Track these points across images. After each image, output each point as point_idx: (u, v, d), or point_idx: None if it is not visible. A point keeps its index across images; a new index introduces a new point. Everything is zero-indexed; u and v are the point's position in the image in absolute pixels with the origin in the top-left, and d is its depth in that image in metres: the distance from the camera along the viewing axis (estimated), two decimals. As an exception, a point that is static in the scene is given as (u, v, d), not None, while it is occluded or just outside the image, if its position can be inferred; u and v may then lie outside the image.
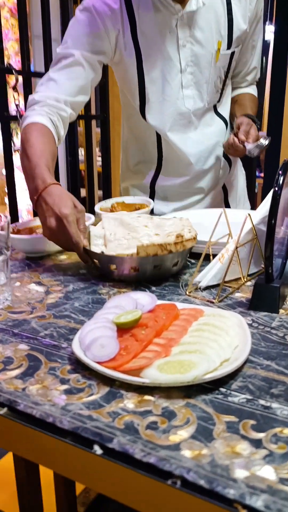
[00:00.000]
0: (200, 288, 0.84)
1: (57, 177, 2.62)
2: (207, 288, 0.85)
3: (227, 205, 1.49)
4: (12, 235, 0.97)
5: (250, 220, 0.85)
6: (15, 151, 1.85)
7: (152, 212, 1.41)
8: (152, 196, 1.48)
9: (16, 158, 1.90)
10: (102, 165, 2.75)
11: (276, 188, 0.71)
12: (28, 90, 1.92)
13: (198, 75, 1.26)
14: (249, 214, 0.85)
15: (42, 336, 0.67)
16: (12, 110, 1.83)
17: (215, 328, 0.63)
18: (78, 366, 0.58)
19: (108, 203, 1.34)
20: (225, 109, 1.39)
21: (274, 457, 0.43)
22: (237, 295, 0.82)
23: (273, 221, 0.72)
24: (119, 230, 0.96)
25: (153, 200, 1.44)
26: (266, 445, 0.45)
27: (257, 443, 0.45)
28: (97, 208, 1.26)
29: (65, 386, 0.54)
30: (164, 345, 0.59)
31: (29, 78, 1.92)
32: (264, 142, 1.22)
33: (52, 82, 1.17)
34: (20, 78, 1.85)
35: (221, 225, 0.88)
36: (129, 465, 0.43)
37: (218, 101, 1.35)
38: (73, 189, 2.98)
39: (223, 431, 0.47)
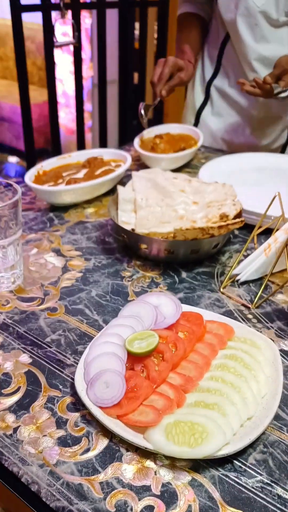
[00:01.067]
0: (237, 282, 0.73)
1: (104, 67, 2.36)
2: (246, 282, 0.73)
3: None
4: (35, 186, 0.86)
5: (310, 208, 0.70)
6: (56, 46, 1.63)
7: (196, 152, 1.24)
8: (205, 100, 1.32)
9: (57, 54, 1.68)
10: (156, 56, 2.43)
11: None
12: None
13: None
14: (310, 202, 0.69)
15: (49, 342, 0.60)
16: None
17: (242, 367, 0.54)
18: (79, 399, 0.52)
19: (151, 133, 1.17)
20: None
21: None
22: (280, 297, 0.70)
23: None
24: (152, 194, 0.82)
25: (204, 108, 1.32)
26: None
27: None
28: (136, 142, 1.10)
29: (60, 433, 0.49)
30: (178, 390, 0.51)
31: None
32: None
33: None
34: None
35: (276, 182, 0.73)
36: None
37: None
38: (124, 73, 2.69)
39: (227, 536, 0.40)
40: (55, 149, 2.17)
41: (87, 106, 3.44)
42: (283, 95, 1.03)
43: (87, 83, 3.32)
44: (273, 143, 1.27)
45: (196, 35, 1.25)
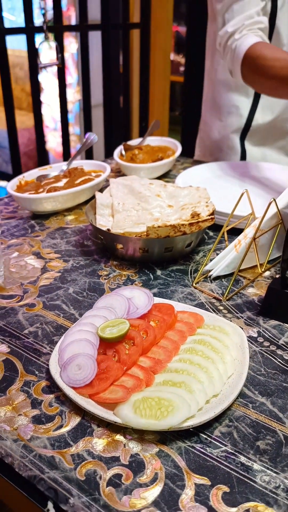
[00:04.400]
0: (210, 278, 0.76)
1: (88, 89, 2.43)
2: (218, 277, 0.77)
3: None
4: (16, 194, 0.90)
5: (275, 204, 0.74)
6: (40, 68, 1.69)
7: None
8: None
9: (45, 78, 1.74)
10: (140, 78, 2.52)
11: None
12: (57, -5, 1.70)
13: None
14: (274, 199, 0.73)
15: (26, 334, 0.62)
16: (39, 21, 1.64)
17: (210, 350, 0.57)
18: (55, 383, 0.54)
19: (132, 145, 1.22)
20: None
21: None
22: (250, 291, 0.74)
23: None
24: (129, 199, 0.86)
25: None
26: (233, 526, 0.40)
27: (224, 522, 0.41)
28: (116, 153, 1.15)
29: (35, 412, 0.51)
30: (147, 371, 0.54)
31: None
32: None
33: (233, 6, 1.03)
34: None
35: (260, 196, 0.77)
36: (80, 534, 0.40)
37: None
38: (108, 96, 2.78)
39: (191, 499, 0.42)
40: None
41: (76, 129, 3.53)
42: None
43: (75, 107, 3.41)
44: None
45: None
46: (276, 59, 0.90)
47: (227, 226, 0.76)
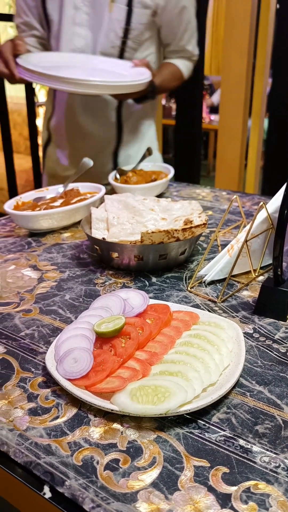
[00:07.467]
0: (204, 283, 0.77)
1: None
2: (213, 282, 0.77)
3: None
4: (13, 211, 0.92)
5: (265, 209, 0.76)
6: (37, 106, 1.76)
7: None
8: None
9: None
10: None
11: (294, 179, 0.61)
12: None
13: (93, 18, 1.21)
14: (264, 203, 0.76)
15: (23, 336, 0.63)
16: None
17: (206, 343, 0.57)
18: (51, 378, 0.54)
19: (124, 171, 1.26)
20: None
21: (240, 522, 0.38)
22: (245, 293, 0.74)
23: (286, 213, 0.64)
24: (123, 213, 0.88)
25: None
26: (234, 503, 0.39)
27: (224, 500, 0.40)
28: (111, 177, 1.19)
29: (31, 405, 0.50)
30: (143, 362, 0.54)
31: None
32: None
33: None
34: None
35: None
36: (77, 515, 0.39)
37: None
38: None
39: (190, 479, 0.42)
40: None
41: (72, 170, 3.61)
42: None
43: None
44: None
45: None
46: None
47: (219, 231, 0.78)
